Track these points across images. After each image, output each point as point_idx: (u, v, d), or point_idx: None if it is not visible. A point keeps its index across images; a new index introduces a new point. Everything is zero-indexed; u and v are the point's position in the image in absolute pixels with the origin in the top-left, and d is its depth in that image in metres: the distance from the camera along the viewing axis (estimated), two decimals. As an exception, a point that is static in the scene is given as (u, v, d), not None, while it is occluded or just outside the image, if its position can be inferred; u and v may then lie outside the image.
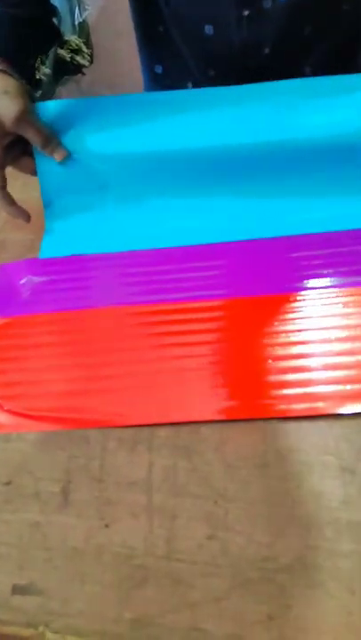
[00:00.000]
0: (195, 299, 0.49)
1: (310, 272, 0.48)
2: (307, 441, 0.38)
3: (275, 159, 0.52)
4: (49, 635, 0.32)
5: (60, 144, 0.53)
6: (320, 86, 0.51)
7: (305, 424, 0.39)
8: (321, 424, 0.39)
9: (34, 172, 0.56)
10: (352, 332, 0.43)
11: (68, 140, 0.54)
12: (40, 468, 0.40)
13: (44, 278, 0.54)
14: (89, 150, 0.54)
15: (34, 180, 0.57)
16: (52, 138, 0.53)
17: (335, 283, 0.47)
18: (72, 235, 0.56)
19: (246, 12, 0.55)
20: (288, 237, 0.52)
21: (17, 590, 0.35)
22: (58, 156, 0.53)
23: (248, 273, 0.49)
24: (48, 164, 0.55)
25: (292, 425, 0.39)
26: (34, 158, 0.55)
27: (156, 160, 0.54)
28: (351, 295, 0.46)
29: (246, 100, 0.52)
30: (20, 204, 0.55)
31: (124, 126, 0.53)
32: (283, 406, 0.39)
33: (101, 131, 0.54)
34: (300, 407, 0.39)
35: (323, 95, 0.51)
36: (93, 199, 0.56)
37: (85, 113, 0.54)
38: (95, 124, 0.54)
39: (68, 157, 0.55)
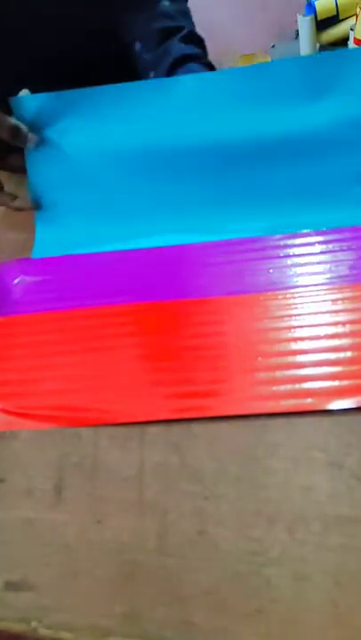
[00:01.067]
0: (187, 296, 0.49)
1: (299, 270, 0.49)
2: (296, 437, 0.39)
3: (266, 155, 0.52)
4: (42, 630, 0.33)
5: (28, 133, 0.53)
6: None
7: (294, 420, 0.39)
8: (310, 420, 0.39)
9: (23, 170, 0.56)
10: (340, 329, 0.43)
11: (53, 134, 0.54)
12: (32, 465, 0.41)
13: (37, 278, 0.54)
14: (75, 144, 0.54)
15: (27, 180, 0.57)
16: (18, 128, 0.52)
17: (325, 280, 0.48)
18: (63, 234, 0.57)
19: None
20: (278, 236, 0.52)
21: (10, 587, 0.35)
22: (30, 143, 0.53)
23: (237, 270, 0.50)
24: (36, 161, 0.55)
25: (281, 421, 0.39)
26: (22, 155, 0.55)
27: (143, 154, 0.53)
28: (340, 292, 0.46)
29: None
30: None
31: (111, 118, 0.53)
32: (272, 403, 0.40)
33: (88, 123, 0.53)
34: (289, 403, 0.40)
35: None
36: (82, 197, 0.57)
37: (71, 105, 0.53)
38: (81, 115, 0.53)
39: (42, 145, 0.54)
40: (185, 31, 0.69)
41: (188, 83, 0.52)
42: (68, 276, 0.53)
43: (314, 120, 0.51)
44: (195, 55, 0.67)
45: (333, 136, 0.52)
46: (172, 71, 0.65)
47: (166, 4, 0.69)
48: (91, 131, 0.54)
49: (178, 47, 0.67)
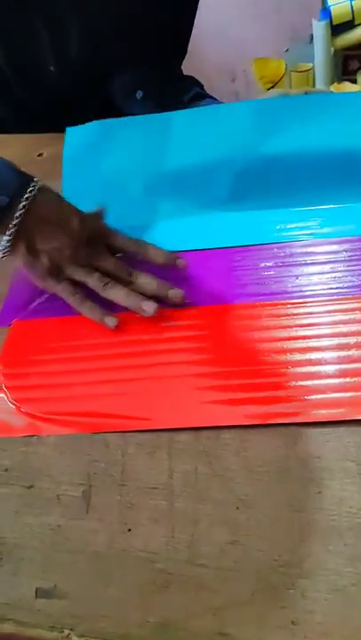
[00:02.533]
0: (209, 304, 0.49)
1: (327, 276, 0.49)
2: (327, 447, 0.38)
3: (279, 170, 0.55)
4: (75, 638, 0.33)
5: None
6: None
7: (326, 430, 0.39)
8: (341, 430, 0.39)
9: None
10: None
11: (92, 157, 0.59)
12: (61, 471, 0.41)
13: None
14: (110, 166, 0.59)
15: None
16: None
17: (353, 288, 0.47)
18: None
19: None
20: (293, 243, 0.52)
21: (40, 594, 0.35)
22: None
23: (264, 277, 0.50)
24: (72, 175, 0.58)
25: (312, 431, 0.39)
26: None
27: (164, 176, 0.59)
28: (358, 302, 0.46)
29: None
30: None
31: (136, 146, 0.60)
32: (303, 412, 0.40)
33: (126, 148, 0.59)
34: (320, 413, 0.40)
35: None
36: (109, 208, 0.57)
37: (109, 132, 0.60)
38: (120, 141, 0.60)
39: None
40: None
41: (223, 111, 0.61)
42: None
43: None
44: (204, 93, 0.75)
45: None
46: (188, 106, 0.71)
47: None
48: (128, 154, 0.59)
49: (186, 87, 0.75)
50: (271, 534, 0.35)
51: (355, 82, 1.63)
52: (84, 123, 0.62)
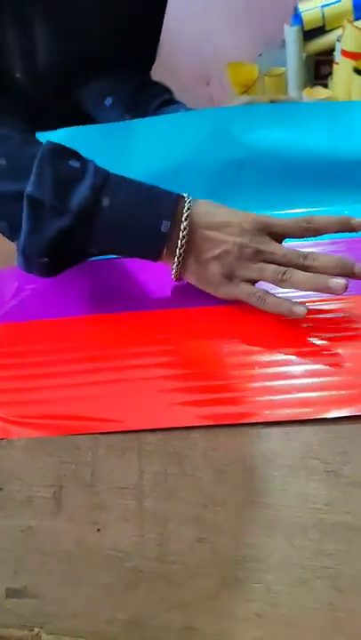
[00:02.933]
0: (185, 306, 0.50)
1: None
2: (292, 445, 0.39)
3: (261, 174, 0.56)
4: (44, 636, 0.33)
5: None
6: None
7: (290, 429, 0.40)
8: (306, 429, 0.40)
9: None
10: (334, 340, 0.45)
11: None
12: (31, 474, 0.41)
13: (34, 285, 0.54)
14: None
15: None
16: None
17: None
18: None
19: None
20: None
21: (11, 594, 0.35)
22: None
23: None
24: None
25: (278, 430, 0.40)
26: None
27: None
28: (339, 302, 0.47)
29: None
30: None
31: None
32: (268, 412, 0.41)
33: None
34: (285, 412, 0.41)
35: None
36: None
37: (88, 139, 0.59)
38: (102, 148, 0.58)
39: None
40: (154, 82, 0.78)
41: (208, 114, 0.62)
42: (66, 284, 0.54)
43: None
44: (173, 99, 0.76)
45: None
46: (157, 112, 0.73)
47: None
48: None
49: (156, 93, 0.75)
50: (238, 531, 0.36)
51: (326, 86, 1.66)
52: (52, 129, 0.63)
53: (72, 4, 0.64)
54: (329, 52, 1.61)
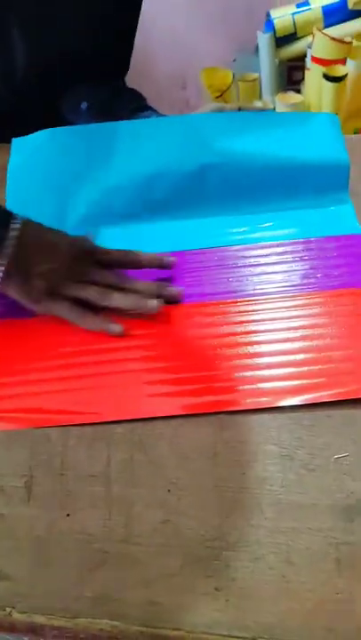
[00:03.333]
0: None
1: (256, 278, 0.53)
2: (252, 432, 0.42)
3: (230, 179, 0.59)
4: (16, 615, 0.35)
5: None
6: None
7: (251, 417, 0.43)
8: (265, 417, 0.42)
9: None
10: (292, 334, 0.47)
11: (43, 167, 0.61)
12: (3, 465, 0.43)
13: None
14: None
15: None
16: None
17: (279, 288, 0.51)
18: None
19: None
20: (238, 247, 0.56)
21: (-16, 577, 0.37)
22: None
23: (198, 278, 0.53)
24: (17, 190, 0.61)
25: (239, 418, 0.43)
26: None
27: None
28: (293, 300, 0.50)
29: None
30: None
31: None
32: (231, 401, 0.43)
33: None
34: (246, 402, 0.43)
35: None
36: (57, 210, 0.60)
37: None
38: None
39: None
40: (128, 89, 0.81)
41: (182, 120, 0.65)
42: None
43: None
44: (146, 105, 0.79)
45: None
46: (131, 117, 0.75)
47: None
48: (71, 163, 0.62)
49: (130, 99, 0.78)
50: (200, 513, 0.38)
51: (299, 91, 1.69)
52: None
53: (48, 15, 0.66)
54: (301, 58, 1.65)
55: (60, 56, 0.70)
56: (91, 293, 0.50)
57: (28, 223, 0.49)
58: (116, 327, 0.49)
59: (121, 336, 0.49)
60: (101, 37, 0.70)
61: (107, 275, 0.52)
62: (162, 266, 0.53)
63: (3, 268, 0.48)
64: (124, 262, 0.53)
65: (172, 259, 0.53)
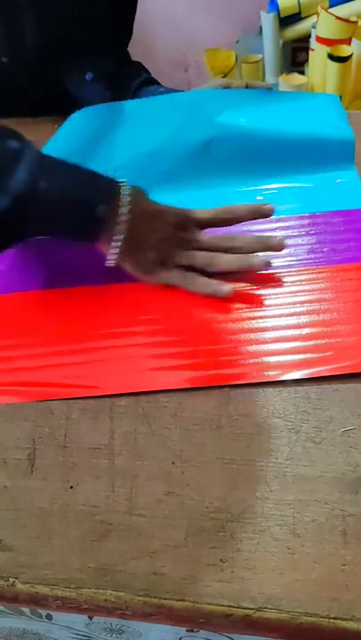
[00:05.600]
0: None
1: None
2: (257, 405, 0.41)
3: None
4: (19, 585, 0.35)
5: None
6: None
7: (256, 390, 0.42)
8: (270, 390, 0.42)
9: None
10: (298, 309, 0.46)
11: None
12: (7, 437, 0.42)
13: (10, 258, 0.55)
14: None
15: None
16: None
17: (285, 263, 0.51)
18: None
19: None
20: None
21: (-13, 548, 0.37)
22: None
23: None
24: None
25: (244, 392, 0.42)
26: None
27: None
28: (299, 274, 0.49)
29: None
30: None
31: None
32: (236, 375, 0.43)
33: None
34: (252, 375, 0.42)
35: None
36: None
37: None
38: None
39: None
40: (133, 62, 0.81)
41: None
42: (34, 258, 0.55)
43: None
44: (153, 79, 0.79)
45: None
46: (137, 91, 0.75)
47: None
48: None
49: (135, 71, 0.78)
50: (203, 485, 0.38)
51: (303, 73, 1.67)
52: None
53: None
54: (305, 38, 1.63)
55: (66, 24, 0.68)
56: (201, 259, 0.50)
57: (135, 190, 0.48)
58: (226, 287, 0.48)
59: (230, 295, 0.48)
60: (109, 5, 0.69)
61: (209, 237, 0.51)
62: (262, 215, 0.52)
63: (117, 239, 0.47)
64: (223, 221, 0.52)
65: (269, 205, 0.52)
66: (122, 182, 0.48)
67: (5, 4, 0.65)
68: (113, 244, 0.47)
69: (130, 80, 0.76)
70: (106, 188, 0.47)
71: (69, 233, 0.48)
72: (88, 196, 0.46)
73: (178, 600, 0.33)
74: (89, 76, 0.74)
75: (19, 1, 0.65)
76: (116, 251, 0.47)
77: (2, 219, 0.45)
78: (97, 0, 0.69)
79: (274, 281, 0.49)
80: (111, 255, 0.48)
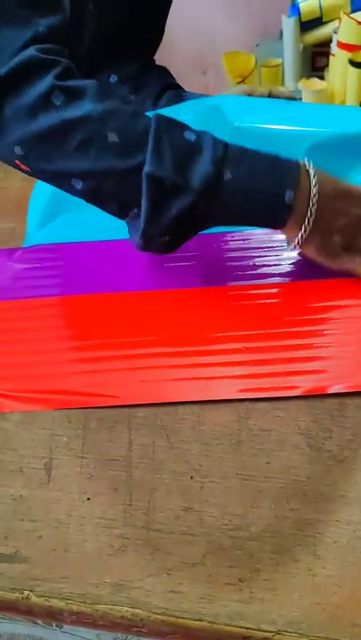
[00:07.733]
0: (168, 287, 0.51)
1: (290, 266, 0.51)
2: (278, 421, 0.41)
3: None
4: (34, 598, 0.35)
5: None
6: None
7: (277, 405, 0.41)
8: (291, 405, 0.41)
9: None
10: (317, 327, 0.46)
11: None
12: (24, 445, 0.42)
13: (25, 265, 0.55)
14: None
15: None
16: None
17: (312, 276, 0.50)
18: (55, 224, 0.58)
19: None
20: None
21: (2, 559, 0.36)
22: None
23: (223, 263, 0.52)
24: None
25: (265, 406, 0.42)
26: None
27: None
28: (323, 287, 0.49)
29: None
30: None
31: None
32: (257, 389, 0.42)
33: None
34: (273, 390, 0.42)
35: None
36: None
37: None
38: None
39: None
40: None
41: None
42: (60, 263, 0.54)
43: None
44: (175, 84, 0.77)
45: None
46: (160, 96, 0.73)
47: None
48: None
49: (159, 76, 0.76)
50: (222, 501, 0.37)
51: (323, 78, 1.66)
52: None
53: None
54: (326, 43, 1.61)
55: (120, 27, 0.68)
56: None
57: (319, 172, 0.45)
58: None
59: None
60: (143, 6, 0.69)
61: None
62: None
63: (307, 222, 0.45)
64: None
65: None
66: (304, 163, 0.45)
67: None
68: (302, 230, 0.45)
69: (154, 84, 0.76)
70: (292, 173, 0.44)
71: (254, 221, 0.47)
72: (275, 182, 0.44)
73: (195, 620, 0.33)
74: (113, 78, 0.73)
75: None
76: (303, 236, 0.45)
77: (189, 215, 0.44)
78: (137, 1, 0.69)
79: (296, 296, 0.48)
80: (297, 240, 0.45)
